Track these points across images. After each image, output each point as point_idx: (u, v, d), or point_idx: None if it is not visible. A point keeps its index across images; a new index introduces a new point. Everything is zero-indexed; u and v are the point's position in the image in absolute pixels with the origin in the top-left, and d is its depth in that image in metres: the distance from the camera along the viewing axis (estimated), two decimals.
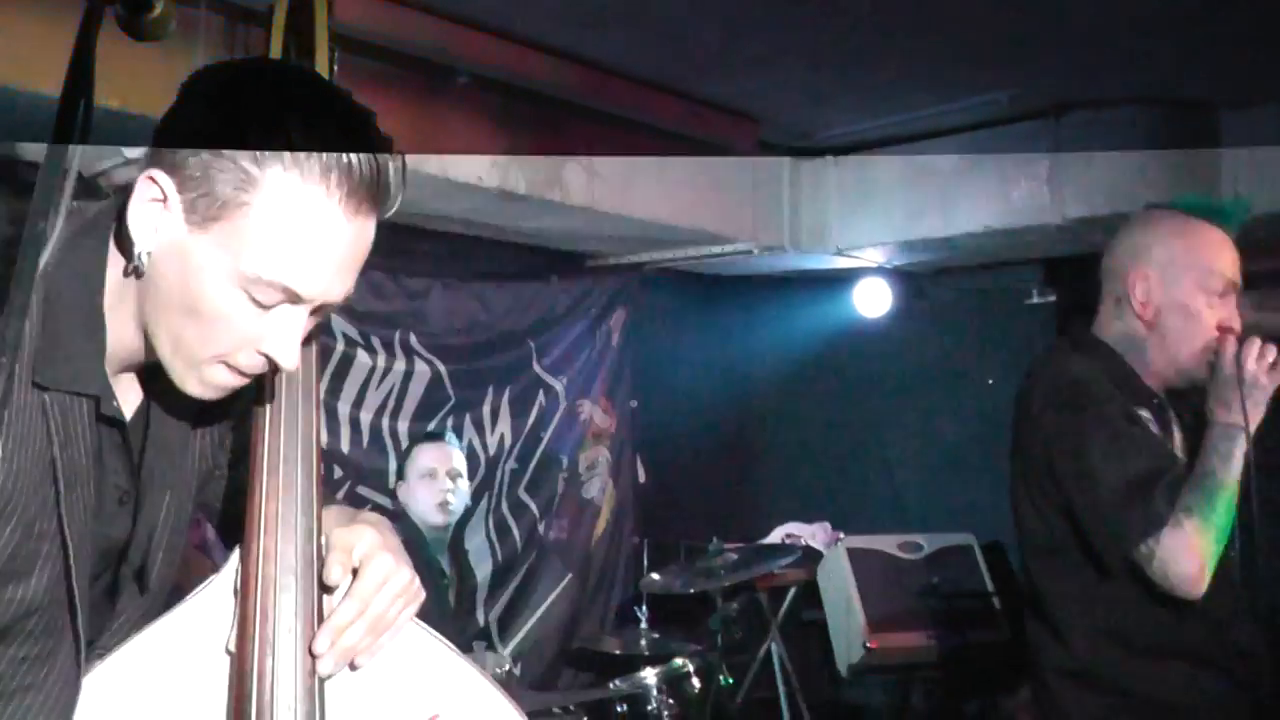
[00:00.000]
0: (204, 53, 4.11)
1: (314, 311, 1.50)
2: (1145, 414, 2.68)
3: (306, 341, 1.56)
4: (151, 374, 1.60)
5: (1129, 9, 4.39)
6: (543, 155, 5.32)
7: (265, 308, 1.45)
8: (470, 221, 5.90)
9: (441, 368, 6.12)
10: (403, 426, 5.86)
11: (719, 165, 6.04)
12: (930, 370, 7.21)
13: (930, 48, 4.83)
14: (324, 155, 1.41)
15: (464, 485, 5.01)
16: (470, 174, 5.03)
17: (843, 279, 7.17)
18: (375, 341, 5.78)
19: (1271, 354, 2.57)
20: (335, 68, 1.79)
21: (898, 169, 6.28)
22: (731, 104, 5.66)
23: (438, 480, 4.88)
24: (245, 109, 1.42)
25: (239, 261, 1.42)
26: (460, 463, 5.03)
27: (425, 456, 4.97)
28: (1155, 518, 2.48)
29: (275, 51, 1.76)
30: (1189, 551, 2.45)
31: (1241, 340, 2.60)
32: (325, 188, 1.41)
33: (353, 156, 1.42)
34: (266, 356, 1.49)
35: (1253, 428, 2.55)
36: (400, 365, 5.92)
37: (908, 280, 7.10)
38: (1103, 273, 2.84)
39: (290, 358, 1.49)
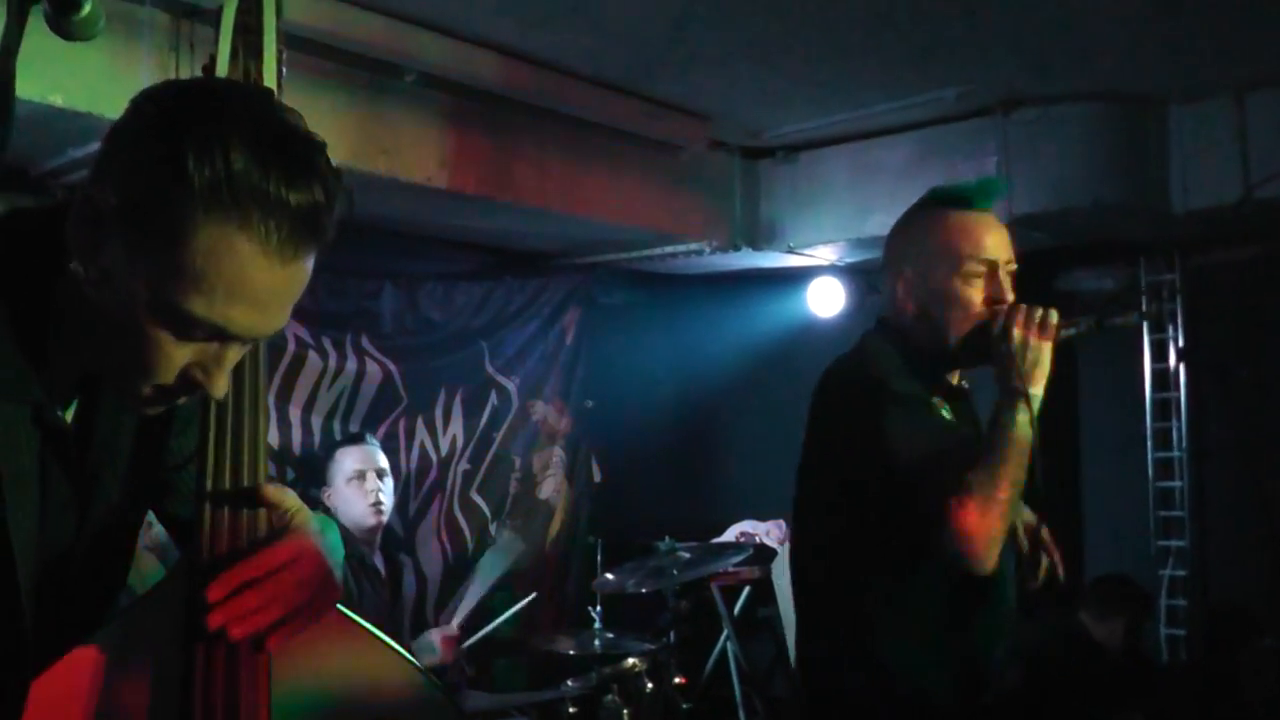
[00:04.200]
0: (149, 50, 4.07)
1: (244, 343, 1.48)
2: (938, 399, 2.77)
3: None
4: (96, 387, 1.59)
5: (1077, 4, 4.42)
6: (493, 155, 5.30)
7: (192, 340, 1.43)
8: (420, 222, 5.87)
9: (393, 368, 6.09)
10: (354, 428, 5.82)
11: (670, 164, 6.04)
12: None
13: (879, 45, 4.84)
14: (265, 198, 1.35)
15: (389, 484, 4.98)
16: (419, 174, 5.00)
17: (795, 277, 7.18)
18: (326, 343, 5.74)
19: (1039, 313, 2.64)
20: (283, 69, 1.77)
21: (847, 167, 6.30)
22: (682, 103, 5.66)
23: (366, 481, 4.85)
24: (186, 135, 1.36)
25: (171, 295, 1.38)
26: (384, 462, 5.00)
27: (350, 459, 4.93)
28: (945, 491, 2.51)
29: (224, 51, 1.72)
30: (972, 526, 2.47)
31: (1009, 309, 2.68)
32: (264, 234, 1.36)
33: (294, 198, 1.36)
34: (197, 383, 1.47)
35: (1037, 389, 2.61)
36: (352, 366, 5.88)
37: (860, 278, 7.12)
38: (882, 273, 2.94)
39: (219, 387, 1.48)
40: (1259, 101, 5.38)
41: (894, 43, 4.82)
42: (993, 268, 2.74)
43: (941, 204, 2.84)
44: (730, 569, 6.00)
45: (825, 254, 6.78)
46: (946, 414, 2.77)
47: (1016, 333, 2.62)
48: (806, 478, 2.95)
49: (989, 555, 2.50)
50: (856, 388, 2.75)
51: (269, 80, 1.73)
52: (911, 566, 2.64)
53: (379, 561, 4.99)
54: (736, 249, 6.52)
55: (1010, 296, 2.73)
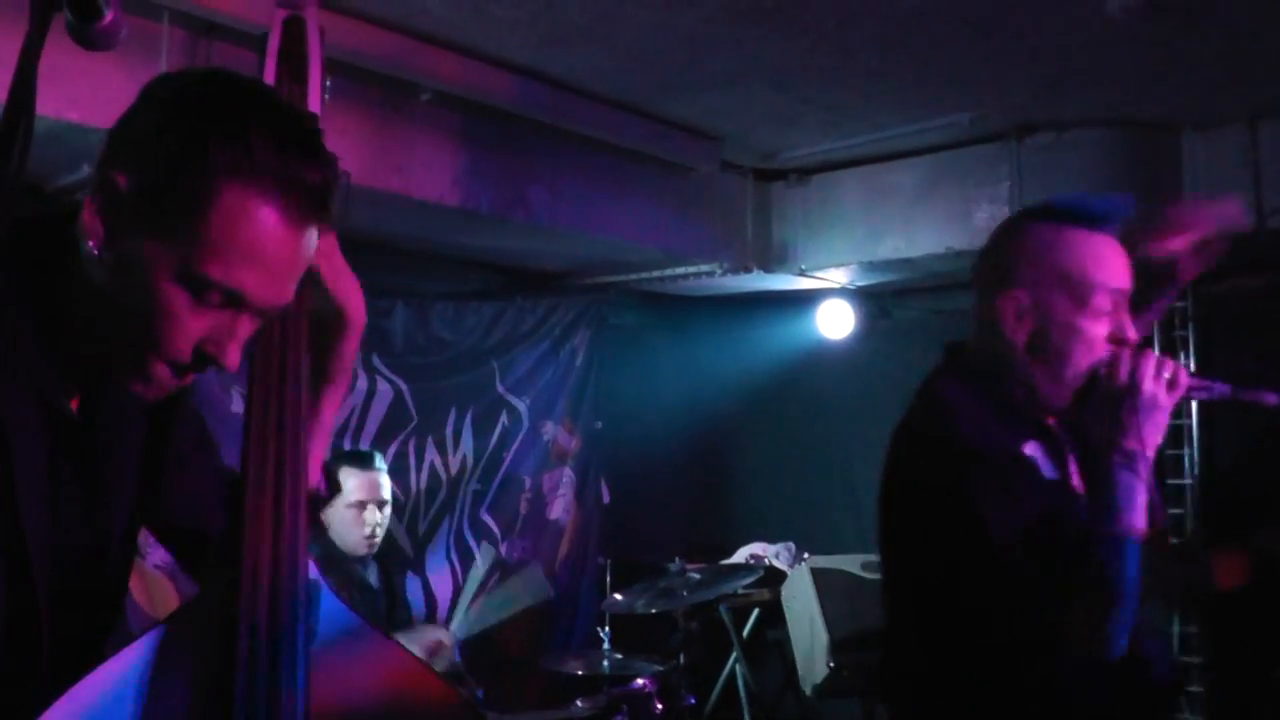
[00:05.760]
0: (168, 66, 4.08)
1: (256, 315, 1.53)
2: (1030, 451, 2.35)
3: (293, 357, 1.63)
4: (103, 380, 1.61)
5: (1090, 31, 4.42)
6: (506, 174, 5.31)
7: (209, 308, 1.49)
8: (433, 240, 5.88)
9: (404, 387, 6.10)
10: (365, 446, 5.82)
11: (682, 186, 6.05)
12: (893, 390, 7.12)
13: (893, 69, 4.84)
14: (283, 171, 1.46)
15: (388, 512, 4.84)
16: (432, 192, 5.01)
17: (806, 299, 7.17)
18: None
19: (1169, 369, 2.25)
20: (327, 96, 1.85)
21: (860, 190, 6.30)
22: (695, 124, 5.67)
23: (366, 512, 4.70)
24: (206, 115, 1.46)
25: (189, 263, 1.46)
26: (388, 490, 4.85)
27: (354, 483, 4.72)
28: (1061, 573, 2.16)
29: (268, 77, 1.80)
30: (1101, 610, 2.14)
31: (1136, 354, 2.28)
32: (279, 199, 1.47)
33: (308, 174, 1.49)
34: (210, 356, 1.51)
35: (1151, 452, 2.23)
36: (362, 385, 5.89)
37: (870, 301, 7.12)
38: (974, 292, 2.48)
39: (233, 358, 1.53)
40: (1271, 130, 5.37)
41: (908, 66, 4.82)
42: (1119, 300, 2.34)
43: (1061, 218, 2.38)
44: (740, 591, 5.98)
45: (837, 277, 6.78)
46: (1043, 469, 2.35)
47: (1147, 385, 2.23)
48: (892, 549, 2.56)
49: (1116, 642, 2.17)
50: (936, 452, 2.34)
51: (311, 104, 1.81)
52: (1022, 661, 2.28)
53: (373, 574, 4.94)
54: (748, 271, 6.52)
55: (1133, 335, 2.34)
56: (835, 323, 7.13)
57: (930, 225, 6.04)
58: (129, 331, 1.50)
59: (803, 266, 6.53)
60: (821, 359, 7.34)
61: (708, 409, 7.69)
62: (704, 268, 6.45)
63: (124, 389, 1.56)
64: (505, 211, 5.32)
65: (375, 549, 4.79)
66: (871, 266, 6.43)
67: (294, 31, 1.83)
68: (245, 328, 1.53)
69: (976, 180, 5.86)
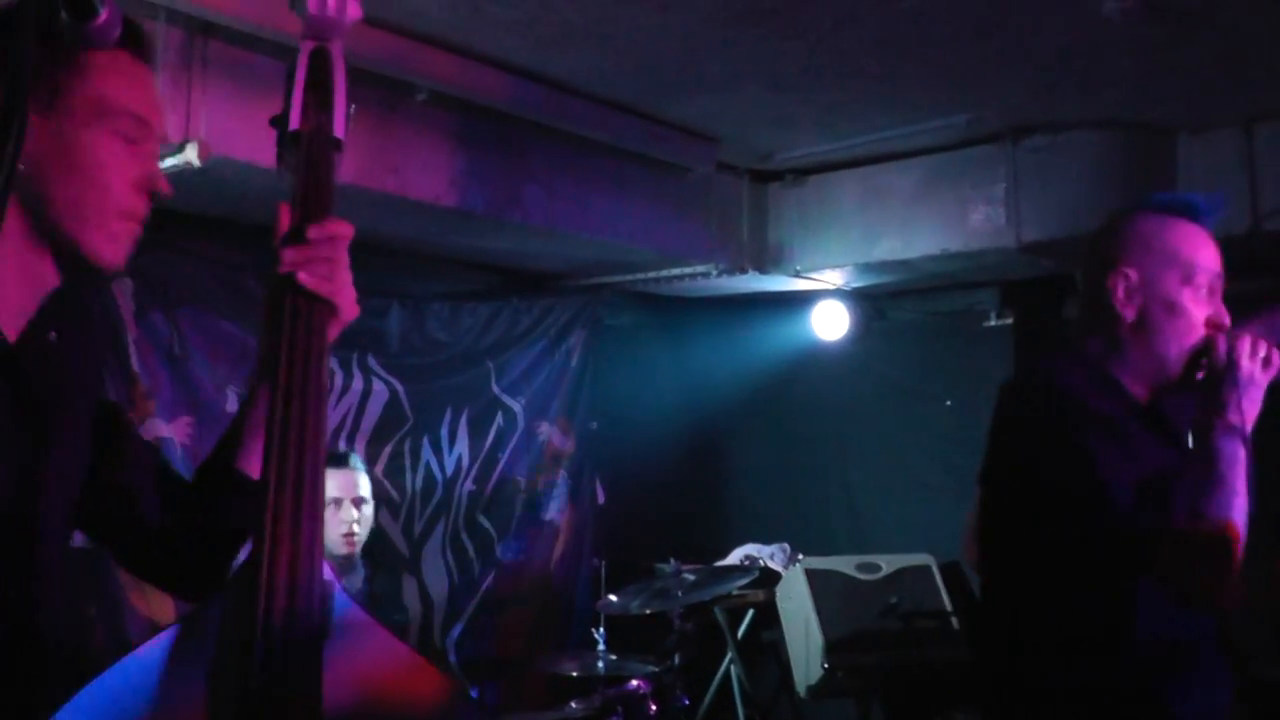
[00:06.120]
0: (164, 66, 4.08)
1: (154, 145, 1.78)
2: (1135, 428, 2.52)
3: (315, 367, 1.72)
4: (49, 318, 1.69)
5: (1087, 33, 4.42)
6: (501, 175, 5.31)
7: (131, 141, 1.70)
8: (428, 241, 5.88)
9: (399, 388, 6.09)
10: (360, 447, 5.82)
11: (678, 186, 6.05)
12: (888, 392, 7.23)
13: (889, 70, 4.85)
14: (118, 27, 1.56)
15: (368, 511, 4.79)
16: (428, 193, 5.01)
17: (801, 301, 7.18)
18: (332, 362, 5.71)
19: (1263, 349, 2.44)
20: (350, 124, 1.93)
21: (856, 191, 6.30)
22: (691, 125, 5.67)
23: (342, 510, 4.66)
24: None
25: (98, 111, 1.67)
26: (366, 488, 4.80)
27: (330, 482, 4.70)
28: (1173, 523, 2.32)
29: (294, 106, 1.86)
30: (1209, 558, 2.32)
31: (1232, 335, 2.47)
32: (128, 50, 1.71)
33: (137, 24, 1.71)
34: (151, 190, 1.73)
35: (1249, 428, 2.41)
36: (358, 385, 5.89)
37: (866, 302, 7.12)
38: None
39: (164, 181, 1.76)
40: (1267, 132, 5.38)
41: (904, 68, 4.82)
42: (1216, 285, 2.55)
43: (1165, 211, 2.62)
44: (735, 592, 5.98)
45: (833, 278, 6.78)
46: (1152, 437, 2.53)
47: (1245, 364, 2.41)
48: (1000, 502, 2.68)
49: (1224, 591, 2.33)
50: (1053, 408, 2.50)
51: (337, 131, 1.90)
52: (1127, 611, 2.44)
53: (359, 575, 4.91)
54: (744, 272, 6.52)
55: (1228, 320, 2.53)
56: (830, 324, 7.13)
57: (926, 227, 6.04)
58: (77, 197, 1.66)
59: (798, 268, 6.54)
60: (817, 360, 7.34)
61: (703, 410, 7.69)
62: (700, 268, 6.45)
63: (76, 323, 1.65)
64: (501, 212, 5.32)
65: (357, 548, 4.77)
66: (867, 268, 6.44)
67: (321, 63, 1.90)
68: (155, 156, 1.77)
69: (973, 182, 5.87)
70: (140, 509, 1.88)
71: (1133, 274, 2.54)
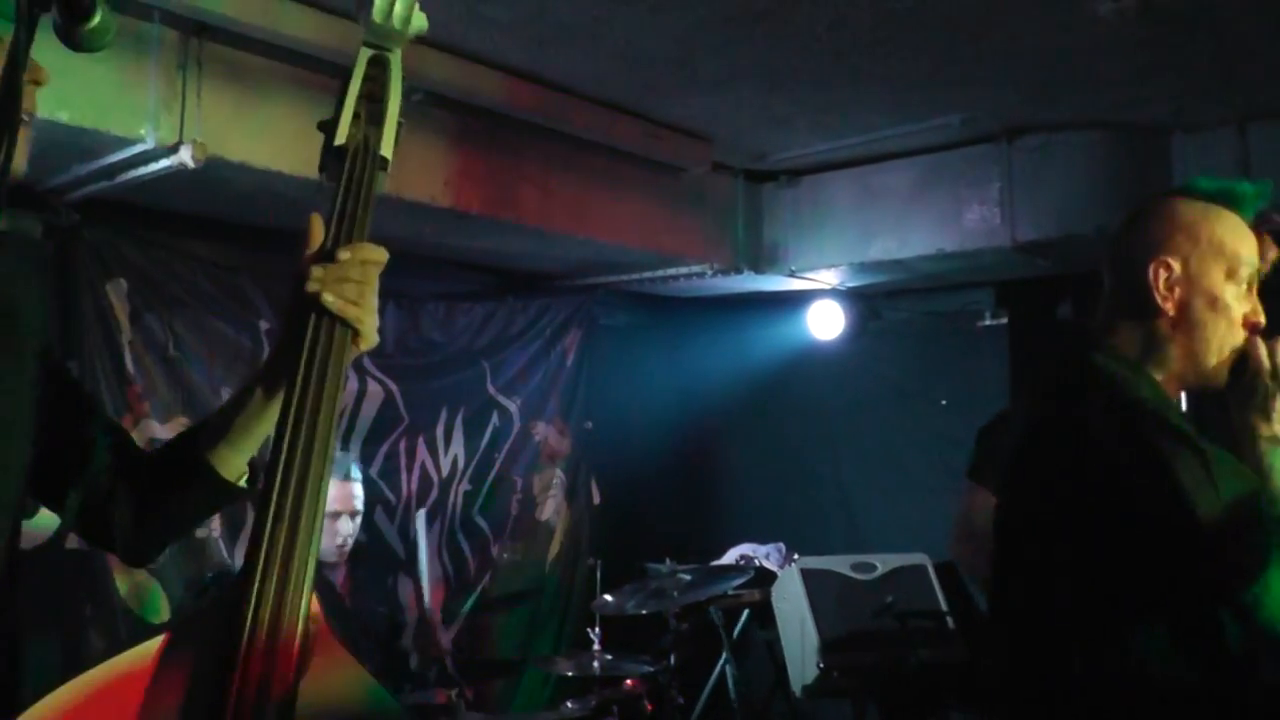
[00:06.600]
0: (157, 66, 4.08)
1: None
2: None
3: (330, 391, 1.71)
4: None
5: (1081, 33, 4.43)
6: (497, 175, 5.31)
7: None
8: (423, 241, 5.87)
9: (394, 388, 6.09)
10: (355, 447, 5.82)
11: (673, 186, 6.05)
12: (883, 391, 7.24)
13: (884, 70, 4.85)
14: None
15: (359, 519, 4.80)
16: (423, 193, 5.01)
17: (796, 300, 7.18)
18: None
19: None
20: (400, 136, 1.89)
21: (851, 191, 6.31)
22: (686, 125, 5.67)
23: (338, 522, 4.67)
24: None
25: None
26: (361, 498, 4.81)
27: (329, 494, 4.66)
28: (1260, 550, 2.08)
29: (347, 115, 1.81)
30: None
31: (1270, 338, 2.30)
32: None
33: None
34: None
35: None
36: (353, 385, 5.88)
37: (861, 302, 7.13)
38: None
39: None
40: (1260, 132, 5.38)
41: (899, 69, 4.83)
42: (1253, 280, 2.35)
43: (1209, 198, 2.40)
44: (730, 592, 5.98)
45: (827, 278, 6.78)
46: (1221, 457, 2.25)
47: None
48: (1040, 509, 2.36)
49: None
50: (1134, 425, 2.22)
51: (385, 150, 1.84)
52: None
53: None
54: (738, 272, 6.53)
55: (1263, 319, 2.34)
56: (825, 324, 7.14)
57: (921, 227, 6.04)
58: None
59: (793, 268, 6.54)
60: (812, 360, 7.35)
61: (698, 410, 7.69)
62: (695, 268, 6.45)
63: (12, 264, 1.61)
64: (496, 212, 5.32)
65: (345, 557, 4.77)
66: (862, 267, 6.44)
67: (379, 73, 1.84)
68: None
69: (967, 182, 5.87)
70: (93, 468, 1.85)
71: (1173, 264, 2.32)
